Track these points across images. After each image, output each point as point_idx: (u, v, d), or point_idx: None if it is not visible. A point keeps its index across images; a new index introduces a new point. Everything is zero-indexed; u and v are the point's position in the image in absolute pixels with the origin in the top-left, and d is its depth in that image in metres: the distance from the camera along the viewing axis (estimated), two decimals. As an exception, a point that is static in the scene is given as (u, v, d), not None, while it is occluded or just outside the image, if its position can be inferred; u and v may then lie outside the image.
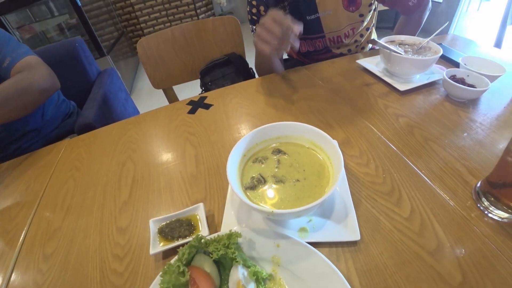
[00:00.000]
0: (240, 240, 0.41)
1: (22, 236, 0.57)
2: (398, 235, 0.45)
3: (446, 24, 0.88)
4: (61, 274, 0.48)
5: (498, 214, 0.45)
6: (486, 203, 0.47)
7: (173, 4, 3.79)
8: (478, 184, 0.50)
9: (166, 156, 0.70)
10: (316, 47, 1.13)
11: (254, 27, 1.03)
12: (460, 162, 0.56)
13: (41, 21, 2.85)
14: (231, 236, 0.38)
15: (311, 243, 0.41)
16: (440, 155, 0.58)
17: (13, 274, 0.50)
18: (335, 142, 0.46)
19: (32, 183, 0.71)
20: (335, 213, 0.46)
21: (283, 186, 0.45)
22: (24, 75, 0.81)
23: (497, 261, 0.40)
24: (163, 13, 3.83)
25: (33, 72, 0.83)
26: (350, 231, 0.43)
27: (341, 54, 1.15)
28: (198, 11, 3.92)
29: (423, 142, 0.62)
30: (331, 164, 0.46)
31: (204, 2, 4.02)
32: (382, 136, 0.65)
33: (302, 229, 0.44)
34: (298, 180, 0.46)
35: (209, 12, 4.18)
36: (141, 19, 3.80)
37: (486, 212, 0.46)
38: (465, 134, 0.63)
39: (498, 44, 2.33)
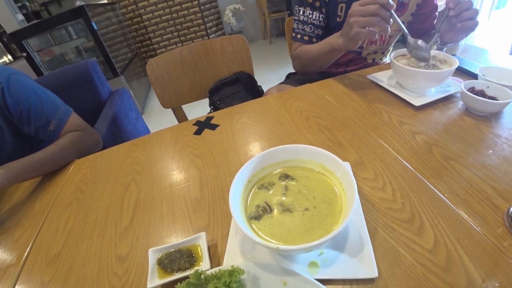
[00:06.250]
0: (243, 276, 0.37)
1: (22, 260, 0.55)
2: (421, 270, 0.40)
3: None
4: (56, 306, 0.46)
5: (537, 245, 0.40)
6: (523, 232, 0.41)
7: (185, 25, 3.93)
8: (511, 209, 0.45)
9: (170, 179, 0.67)
10: None
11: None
12: (487, 183, 0.51)
13: (60, 44, 3.01)
14: (232, 273, 0.34)
15: (322, 281, 0.37)
16: (464, 175, 0.53)
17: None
18: (347, 165, 0.42)
19: (37, 204, 0.70)
20: (349, 245, 0.41)
21: (290, 215, 0.42)
22: (80, 138, 0.89)
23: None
24: (175, 34, 3.97)
25: (87, 135, 0.92)
26: (366, 266, 0.39)
27: (363, 60, 1.14)
28: (209, 31, 4.04)
29: (444, 162, 0.57)
30: (344, 191, 0.42)
31: (214, 22, 4.15)
32: (398, 156, 0.60)
33: (312, 264, 0.40)
34: (307, 209, 0.42)
35: (220, 32, 4.31)
36: (153, 40, 3.95)
37: (523, 242, 0.41)
38: (490, 151, 0.58)
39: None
